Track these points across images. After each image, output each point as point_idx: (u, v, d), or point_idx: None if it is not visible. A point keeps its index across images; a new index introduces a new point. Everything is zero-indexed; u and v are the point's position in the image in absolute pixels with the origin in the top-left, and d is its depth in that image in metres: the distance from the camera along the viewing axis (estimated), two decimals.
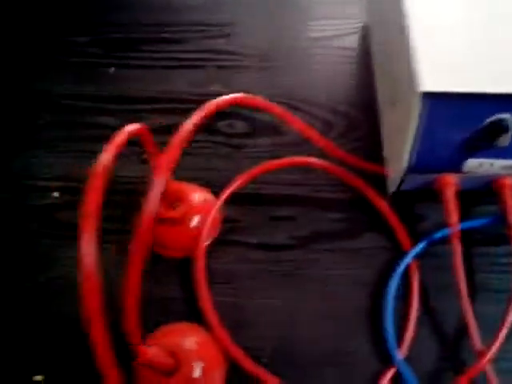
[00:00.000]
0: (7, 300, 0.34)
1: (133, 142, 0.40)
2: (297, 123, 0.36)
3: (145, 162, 0.39)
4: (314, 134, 0.36)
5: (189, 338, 0.31)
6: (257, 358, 0.32)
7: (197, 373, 0.29)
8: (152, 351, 0.25)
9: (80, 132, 0.42)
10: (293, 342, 0.32)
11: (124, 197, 0.37)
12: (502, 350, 0.30)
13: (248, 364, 0.31)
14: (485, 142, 0.31)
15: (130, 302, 0.21)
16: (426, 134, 0.31)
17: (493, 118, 0.30)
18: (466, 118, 0.31)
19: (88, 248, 0.19)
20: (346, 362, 0.32)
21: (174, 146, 0.24)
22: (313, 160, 0.38)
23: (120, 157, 0.39)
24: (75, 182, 0.38)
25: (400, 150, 0.33)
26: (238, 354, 0.32)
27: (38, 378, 0.31)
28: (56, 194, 0.38)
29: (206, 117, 0.26)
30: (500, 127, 0.30)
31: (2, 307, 0.34)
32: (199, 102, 0.43)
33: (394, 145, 0.36)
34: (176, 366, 0.28)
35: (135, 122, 0.41)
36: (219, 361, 0.32)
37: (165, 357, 0.27)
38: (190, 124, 0.25)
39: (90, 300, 0.18)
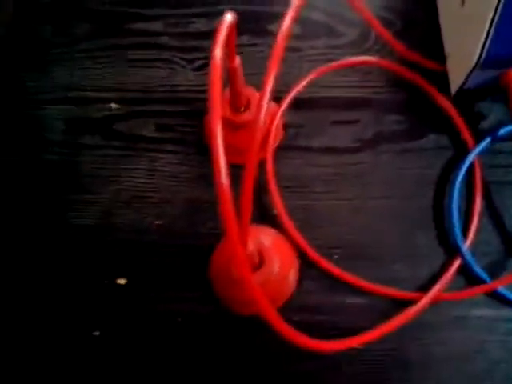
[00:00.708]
0: (77, 212, 0.35)
1: (181, 48, 0.39)
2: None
3: (197, 69, 0.38)
4: (381, 29, 0.35)
5: (266, 238, 0.32)
6: (328, 256, 0.33)
7: (275, 270, 0.31)
8: (250, 246, 0.26)
9: (123, 40, 0.40)
10: (362, 239, 0.34)
11: (181, 106, 0.37)
12: None
13: (320, 261, 0.33)
14: None
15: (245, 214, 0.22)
16: (504, 24, 0.30)
17: None
18: None
19: (219, 146, 0.19)
20: (413, 254, 0.33)
21: (279, 46, 0.22)
22: (376, 59, 0.37)
23: (171, 66, 0.39)
24: (130, 92, 0.37)
25: (470, 43, 0.32)
26: (311, 252, 0.33)
27: (122, 281, 0.33)
28: (114, 106, 0.37)
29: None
30: None
31: (72, 220, 0.35)
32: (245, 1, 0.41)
33: (461, 39, 0.35)
34: (260, 262, 0.30)
35: (181, 27, 0.40)
36: (293, 260, 0.33)
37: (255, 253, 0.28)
38: (289, 19, 0.23)
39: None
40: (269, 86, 0.22)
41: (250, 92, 0.33)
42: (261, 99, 0.22)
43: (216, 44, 0.21)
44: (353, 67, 0.37)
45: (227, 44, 0.27)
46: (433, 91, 0.36)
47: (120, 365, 0.31)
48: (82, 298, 0.33)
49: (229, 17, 0.22)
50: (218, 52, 0.20)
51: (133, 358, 0.31)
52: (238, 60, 0.28)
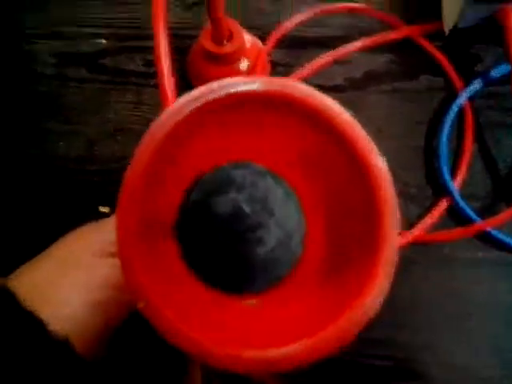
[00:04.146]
0: (63, 142, 0.35)
1: None
2: None
3: (188, 7, 0.38)
4: None
5: None
6: None
7: None
8: None
9: None
10: None
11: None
12: None
13: None
14: None
15: None
16: None
17: None
18: None
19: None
20: (402, 192, 0.33)
21: None
22: (365, 7, 0.36)
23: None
24: (119, 28, 0.37)
25: None
26: None
27: (105, 209, 0.33)
28: (103, 41, 0.37)
29: None
30: None
31: (58, 150, 0.35)
32: None
33: None
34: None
35: None
36: None
37: None
38: None
39: None
40: None
41: (233, 25, 0.33)
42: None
43: None
44: None
45: None
46: (424, 33, 0.35)
47: None
48: (67, 225, 0.33)
49: None
50: None
51: None
52: None
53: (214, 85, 0.14)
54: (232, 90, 0.14)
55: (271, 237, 0.14)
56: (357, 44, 0.34)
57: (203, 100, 0.14)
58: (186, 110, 0.15)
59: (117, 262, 0.15)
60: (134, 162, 0.15)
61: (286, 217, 0.14)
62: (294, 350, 0.11)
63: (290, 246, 0.14)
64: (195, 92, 0.15)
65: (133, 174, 0.14)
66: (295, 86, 0.15)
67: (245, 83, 0.14)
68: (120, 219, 0.14)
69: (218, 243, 0.14)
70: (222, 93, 0.14)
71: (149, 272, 0.13)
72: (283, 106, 0.14)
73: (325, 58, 0.34)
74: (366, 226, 0.13)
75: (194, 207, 0.15)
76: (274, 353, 0.11)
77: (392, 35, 0.35)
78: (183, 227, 0.15)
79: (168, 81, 0.20)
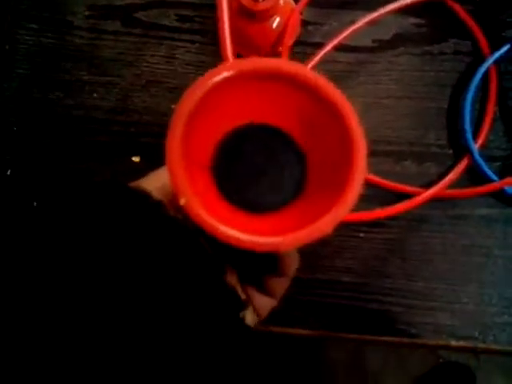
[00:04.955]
0: (97, 93, 0.36)
1: None
2: None
3: None
4: None
5: None
6: None
7: None
8: None
9: None
10: (373, 135, 0.34)
11: None
12: None
13: None
14: None
15: None
16: None
17: None
18: None
19: None
20: (423, 152, 0.34)
21: None
22: None
23: None
24: None
25: None
26: None
27: (136, 158, 0.34)
28: None
29: None
30: None
31: (92, 100, 0.36)
32: None
33: None
34: None
35: None
36: None
37: None
38: None
39: None
40: None
41: None
42: None
43: None
44: None
45: None
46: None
47: None
48: (100, 172, 0.34)
49: None
50: None
51: None
52: None
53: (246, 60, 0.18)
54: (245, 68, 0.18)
55: (281, 172, 0.20)
56: (392, 6, 0.35)
57: (236, 69, 0.18)
58: (217, 79, 0.18)
59: None
60: (172, 123, 0.18)
61: (290, 160, 0.20)
62: (304, 231, 0.17)
63: (294, 178, 0.20)
64: (232, 63, 0.19)
65: (175, 127, 0.18)
66: (292, 64, 0.19)
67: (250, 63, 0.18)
68: (168, 152, 0.17)
69: (246, 176, 0.19)
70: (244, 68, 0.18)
71: (190, 185, 0.17)
72: (283, 79, 0.19)
73: (360, 22, 0.34)
74: (344, 161, 0.18)
75: (228, 150, 0.20)
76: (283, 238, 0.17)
77: None
78: (219, 163, 0.19)
79: (229, 45, 0.22)
